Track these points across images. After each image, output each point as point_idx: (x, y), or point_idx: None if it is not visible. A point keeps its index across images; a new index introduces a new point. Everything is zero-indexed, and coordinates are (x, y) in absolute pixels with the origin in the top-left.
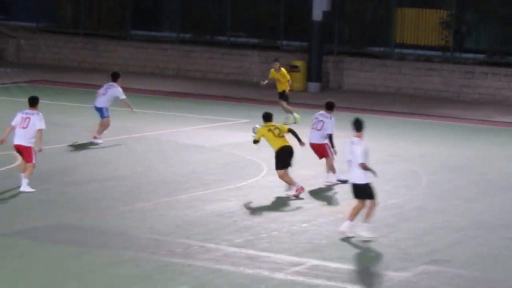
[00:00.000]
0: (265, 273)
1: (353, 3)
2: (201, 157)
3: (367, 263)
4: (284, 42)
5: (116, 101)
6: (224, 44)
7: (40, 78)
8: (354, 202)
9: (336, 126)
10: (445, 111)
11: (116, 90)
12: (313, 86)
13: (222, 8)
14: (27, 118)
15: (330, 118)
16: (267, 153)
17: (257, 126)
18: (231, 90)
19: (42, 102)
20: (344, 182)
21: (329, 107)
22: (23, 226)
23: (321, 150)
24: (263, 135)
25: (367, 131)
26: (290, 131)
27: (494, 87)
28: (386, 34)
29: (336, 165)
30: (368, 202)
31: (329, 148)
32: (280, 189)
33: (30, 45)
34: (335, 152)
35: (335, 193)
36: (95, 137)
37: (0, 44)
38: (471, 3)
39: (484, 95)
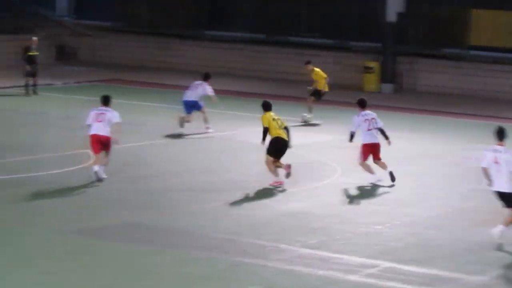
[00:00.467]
0: (338, 274)
1: (428, 4)
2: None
3: (441, 266)
4: (358, 43)
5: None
6: (298, 44)
7: (114, 77)
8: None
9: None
10: None
11: (206, 88)
12: (387, 87)
13: (296, 9)
14: (101, 113)
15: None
16: (341, 155)
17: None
18: (304, 91)
19: (116, 101)
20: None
21: (363, 104)
22: (96, 224)
23: (378, 149)
24: (269, 123)
25: (442, 132)
26: (286, 128)
27: None
28: (461, 35)
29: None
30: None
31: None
32: (354, 191)
33: (105, 44)
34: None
35: (410, 195)
36: (207, 127)
37: (75, 43)
38: None
39: None
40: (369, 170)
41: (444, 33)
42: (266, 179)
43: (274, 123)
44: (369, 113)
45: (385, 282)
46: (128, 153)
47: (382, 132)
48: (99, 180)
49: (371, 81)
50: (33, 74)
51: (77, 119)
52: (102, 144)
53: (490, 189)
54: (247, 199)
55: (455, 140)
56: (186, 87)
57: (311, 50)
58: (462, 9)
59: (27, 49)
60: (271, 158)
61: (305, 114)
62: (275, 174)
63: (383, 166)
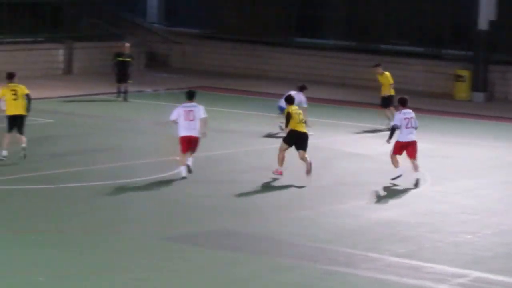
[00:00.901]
0: (429, 284)
1: None
2: (363, 166)
3: None
4: (449, 51)
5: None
6: (388, 52)
7: (204, 84)
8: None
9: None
10: None
11: (302, 99)
12: (478, 96)
13: (386, 16)
14: (190, 111)
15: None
16: (431, 163)
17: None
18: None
19: (207, 108)
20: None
21: (405, 103)
22: (187, 231)
23: (415, 147)
24: (291, 115)
25: None
26: (305, 122)
27: None
28: None
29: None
30: None
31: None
32: (445, 199)
33: (195, 51)
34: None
35: (500, 204)
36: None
37: (165, 51)
38: None
39: None
40: (394, 164)
41: None
42: (357, 188)
43: (296, 116)
44: (409, 112)
45: None
46: (217, 160)
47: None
48: (189, 172)
49: (462, 89)
50: (124, 80)
51: (167, 126)
52: (191, 144)
53: None
54: (337, 207)
55: None
56: (276, 95)
57: (401, 58)
58: None
59: (118, 55)
60: (284, 146)
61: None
62: (280, 163)
63: (415, 168)
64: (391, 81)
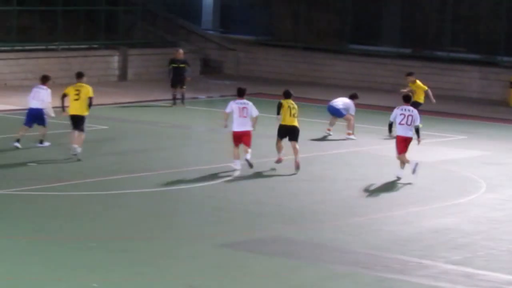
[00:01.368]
0: None
1: None
2: (418, 173)
3: None
4: (504, 58)
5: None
6: (443, 59)
7: (258, 91)
8: None
9: None
10: None
11: (351, 107)
12: None
13: (441, 23)
14: (244, 108)
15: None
16: (487, 170)
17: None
18: (449, 105)
19: (259, 115)
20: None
21: (407, 100)
22: (241, 237)
23: (408, 143)
24: (282, 105)
25: None
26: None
27: None
28: None
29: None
30: None
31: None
32: (500, 206)
33: (248, 58)
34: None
35: None
36: (348, 134)
37: (219, 57)
38: None
39: None
40: (405, 161)
41: None
42: (409, 195)
43: (288, 110)
44: (408, 108)
45: None
46: (271, 167)
47: (417, 131)
48: (250, 166)
49: None
50: (179, 86)
51: (221, 133)
52: (244, 138)
53: None
54: (390, 214)
55: None
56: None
57: (456, 65)
58: None
59: (172, 61)
60: (277, 138)
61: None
62: (278, 152)
63: (401, 164)
64: (425, 87)
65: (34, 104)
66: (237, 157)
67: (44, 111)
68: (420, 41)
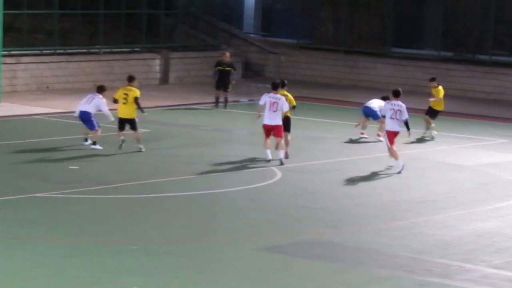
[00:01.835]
0: None
1: None
2: (460, 176)
3: None
4: None
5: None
6: (485, 62)
7: (299, 94)
8: None
9: None
10: None
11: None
12: None
13: (483, 26)
14: (275, 102)
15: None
16: None
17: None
18: (492, 109)
19: (300, 118)
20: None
21: (397, 94)
22: (282, 241)
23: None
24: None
25: None
26: (294, 107)
27: None
28: None
29: None
30: None
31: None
32: None
33: (290, 61)
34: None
35: None
36: (379, 135)
37: (261, 61)
38: None
39: None
40: (394, 155)
41: None
42: (450, 198)
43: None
44: (397, 104)
45: None
46: (310, 170)
47: (406, 124)
48: (281, 164)
49: None
50: (223, 89)
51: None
52: (273, 130)
53: None
54: (431, 218)
55: None
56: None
57: (498, 68)
58: None
59: (218, 63)
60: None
61: (434, 132)
62: (286, 144)
63: (393, 154)
64: (440, 96)
65: (83, 107)
66: (267, 146)
67: (92, 115)
68: (462, 44)
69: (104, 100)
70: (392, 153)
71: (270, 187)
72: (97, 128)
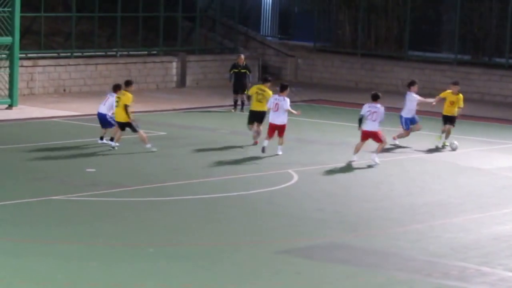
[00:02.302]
0: None
1: None
2: (477, 180)
3: None
4: None
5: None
6: (503, 66)
7: (317, 98)
8: None
9: None
10: None
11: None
12: None
13: (501, 30)
14: (276, 103)
15: (381, 108)
16: None
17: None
18: (509, 112)
19: (317, 121)
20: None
21: (375, 98)
22: (299, 244)
23: (377, 136)
24: (252, 92)
25: None
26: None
27: None
28: None
29: None
30: None
31: (382, 134)
32: None
33: (307, 64)
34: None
35: None
36: (394, 138)
37: (278, 63)
38: None
39: None
40: (357, 149)
41: None
42: (468, 202)
43: (255, 95)
44: (375, 106)
45: None
46: (329, 173)
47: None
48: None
49: None
50: (240, 92)
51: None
52: (276, 129)
53: None
54: (449, 221)
55: None
56: (388, 108)
57: None
58: None
59: (234, 66)
60: (249, 125)
61: (454, 142)
62: (257, 134)
63: (377, 149)
64: (461, 104)
65: (101, 109)
66: (267, 138)
67: (108, 116)
68: (479, 47)
69: (111, 98)
70: (358, 147)
71: (287, 190)
72: (112, 126)
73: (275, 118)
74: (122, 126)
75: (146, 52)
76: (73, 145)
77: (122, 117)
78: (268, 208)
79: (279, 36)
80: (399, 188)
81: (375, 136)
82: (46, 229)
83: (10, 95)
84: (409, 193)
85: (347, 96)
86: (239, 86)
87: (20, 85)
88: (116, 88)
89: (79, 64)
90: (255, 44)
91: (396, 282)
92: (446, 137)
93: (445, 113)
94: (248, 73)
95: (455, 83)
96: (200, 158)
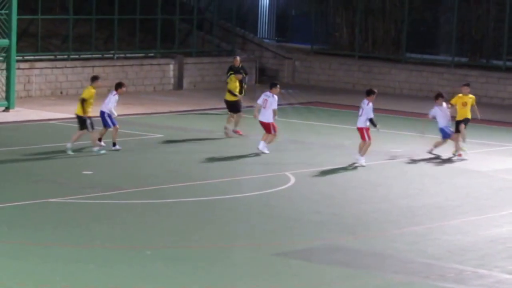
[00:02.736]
0: None
1: None
2: (475, 182)
3: None
4: None
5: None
6: (500, 68)
7: (314, 100)
8: None
9: None
10: None
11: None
12: None
13: (498, 32)
14: (265, 100)
15: (368, 104)
16: None
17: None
18: (507, 115)
19: (315, 124)
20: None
21: (367, 93)
22: (297, 246)
23: (362, 133)
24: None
25: None
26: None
27: None
28: None
29: None
30: None
31: (367, 131)
32: None
33: (305, 66)
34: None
35: None
36: (459, 154)
37: (276, 66)
38: None
39: None
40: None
41: None
42: (466, 204)
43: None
44: (364, 102)
45: None
46: (326, 176)
47: (371, 121)
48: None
49: None
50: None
51: (276, 142)
52: (263, 126)
53: None
54: (447, 224)
55: None
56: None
57: None
58: None
59: (230, 68)
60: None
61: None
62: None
63: (360, 149)
64: (473, 103)
65: (101, 107)
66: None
67: (105, 114)
68: (477, 49)
69: (115, 96)
70: (365, 150)
71: (284, 192)
72: (110, 126)
73: (261, 115)
74: (78, 120)
75: (143, 55)
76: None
77: (78, 110)
78: (265, 210)
79: (276, 38)
80: (397, 190)
81: (360, 132)
82: (43, 232)
83: (7, 98)
84: (407, 195)
85: (345, 98)
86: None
87: (17, 87)
88: (116, 86)
89: (76, 67)
90: (253, 47)
91: (394, 284)
92: (463, 140)
93: (458, 118)
94: (244, 75)
95: (466, 85)
96: (197, 161)
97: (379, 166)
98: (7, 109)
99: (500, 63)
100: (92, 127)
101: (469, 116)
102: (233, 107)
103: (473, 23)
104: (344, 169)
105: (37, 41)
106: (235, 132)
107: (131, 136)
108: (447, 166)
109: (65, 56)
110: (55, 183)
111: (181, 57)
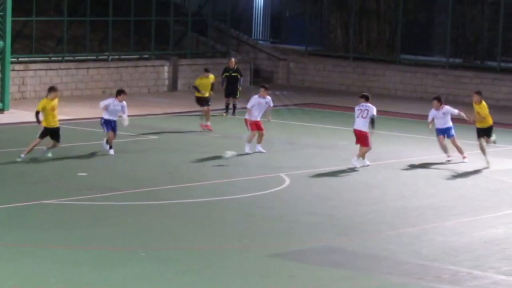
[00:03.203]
0: None
1: None
2: (470, 183)
3: None
4: None
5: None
6: (495, 69)
7: (309, 101)
8: None
9: None
10: None
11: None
12: None
13: (492, 33)
14: (259, 103)
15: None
16: None
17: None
18: (501, 116)
19: (309, 125)
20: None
21: (362, 97)
22: (292, 248)
23: (363, 137)
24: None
25: None
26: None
27: None
28: None
29: None
30: None
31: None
32: None
33: (299, 68)
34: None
35: None
36: (464, 157)
37: (270, 67)
38: None
39: None
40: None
41: None
42: (460, 205)
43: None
44: (365, 105)
45: None
46: (322, 177)
47: (372, 122)
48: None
49: None
50: (231, 95)
51: (271, 143)
52: (359, 138)
53: None
54: (441, 225)
55: None
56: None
57: (508, 75)
58: None
59: (225, 70)
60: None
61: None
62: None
63: (359, 153)
64: (485, 112)
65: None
66: (249, 140)
67: (102, 119)
68: (471, 51)
69: (109, 99)
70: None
71: (279, 194)
72: (106, 131)
73: (258, 116)
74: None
75: (137, 56)
76: (65, 149)
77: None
78: (260, 211)
79: (271, 40)
80: (392, 192)
81: (358, 136)
82: (39, 233)
83: (2, 99)
84: (402, 197)
85: (339, 99)
86: (231, 90)
87: (12, 89)
88: (117, 94)
89: (70, 68)
90: (247, 48)
91: (388, 285)
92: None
93: (479, 126)
94: (239, 76)
95: (476, 93)
96: (192, 162)
97: (374, 167)
98: (1, 110)
99: (494, 64)
100: (38, 134)
101: (483, 126)
102: (199, 101)
103: (467, 25)
104: (339, 170)
105: (32, 43)
106: (202, 126)
107: (125, 138)
108: (441, 167)
109: (60, 58)
110: (50, 185)
111: (175, 59)
